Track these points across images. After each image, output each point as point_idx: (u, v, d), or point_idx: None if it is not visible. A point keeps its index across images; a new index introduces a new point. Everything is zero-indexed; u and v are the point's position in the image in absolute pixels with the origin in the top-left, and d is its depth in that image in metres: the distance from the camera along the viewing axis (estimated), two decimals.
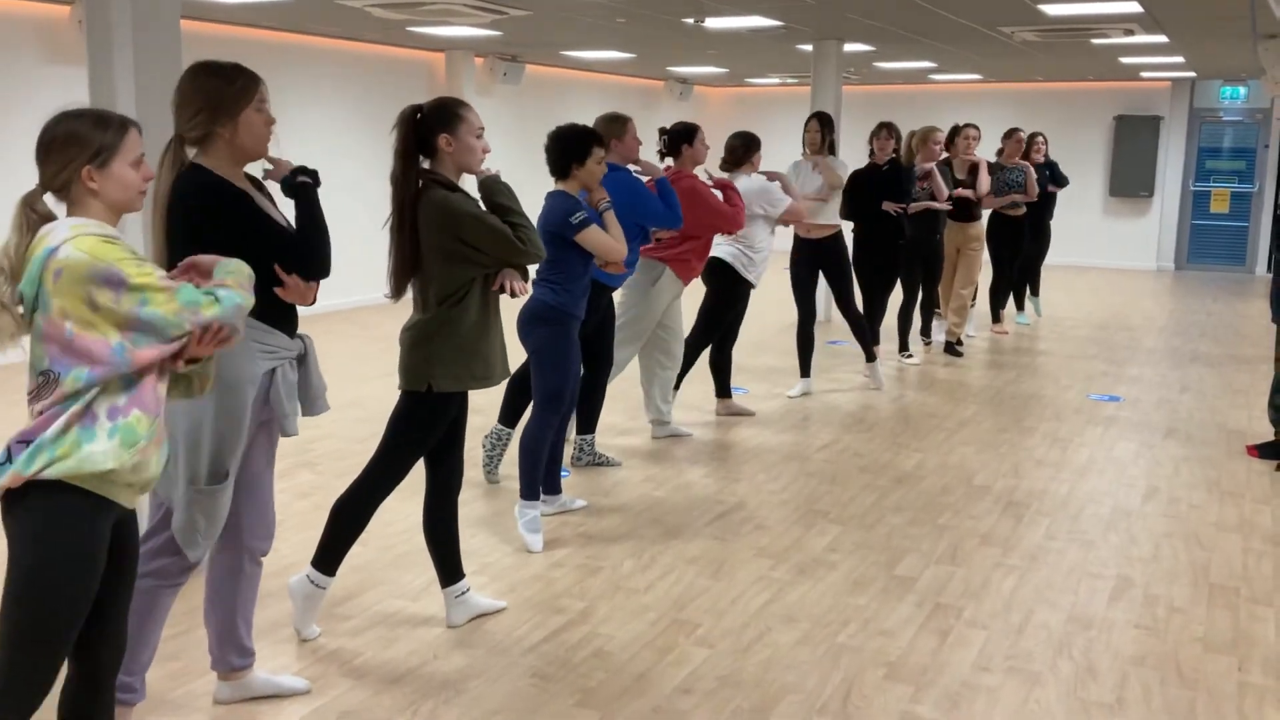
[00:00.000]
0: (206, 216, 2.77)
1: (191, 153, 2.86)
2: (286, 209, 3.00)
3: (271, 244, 2.85)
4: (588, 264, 4.49)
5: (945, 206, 8.26)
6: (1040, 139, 10.12)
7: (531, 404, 4.59)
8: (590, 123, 5.34)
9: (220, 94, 2.81)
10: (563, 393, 4.48)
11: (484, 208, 3.44)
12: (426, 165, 3.44)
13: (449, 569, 3.72)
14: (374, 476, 3.50)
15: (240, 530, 3.07)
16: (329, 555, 3.52)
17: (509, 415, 5.32)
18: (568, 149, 4.43)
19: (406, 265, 3.42)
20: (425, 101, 3.52)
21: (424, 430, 3.49)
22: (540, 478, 4.55)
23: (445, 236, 3.35)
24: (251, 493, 3.06)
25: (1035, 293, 10.83)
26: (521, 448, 4.52)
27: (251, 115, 2.85)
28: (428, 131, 3.41)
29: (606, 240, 4.42)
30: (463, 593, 3.74)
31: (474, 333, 3.45)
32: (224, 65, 2.87)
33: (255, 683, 3.20)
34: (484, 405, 6.77)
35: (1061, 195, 10.67)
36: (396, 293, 3.47)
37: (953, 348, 8.80)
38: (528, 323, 4.47)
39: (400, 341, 3.51)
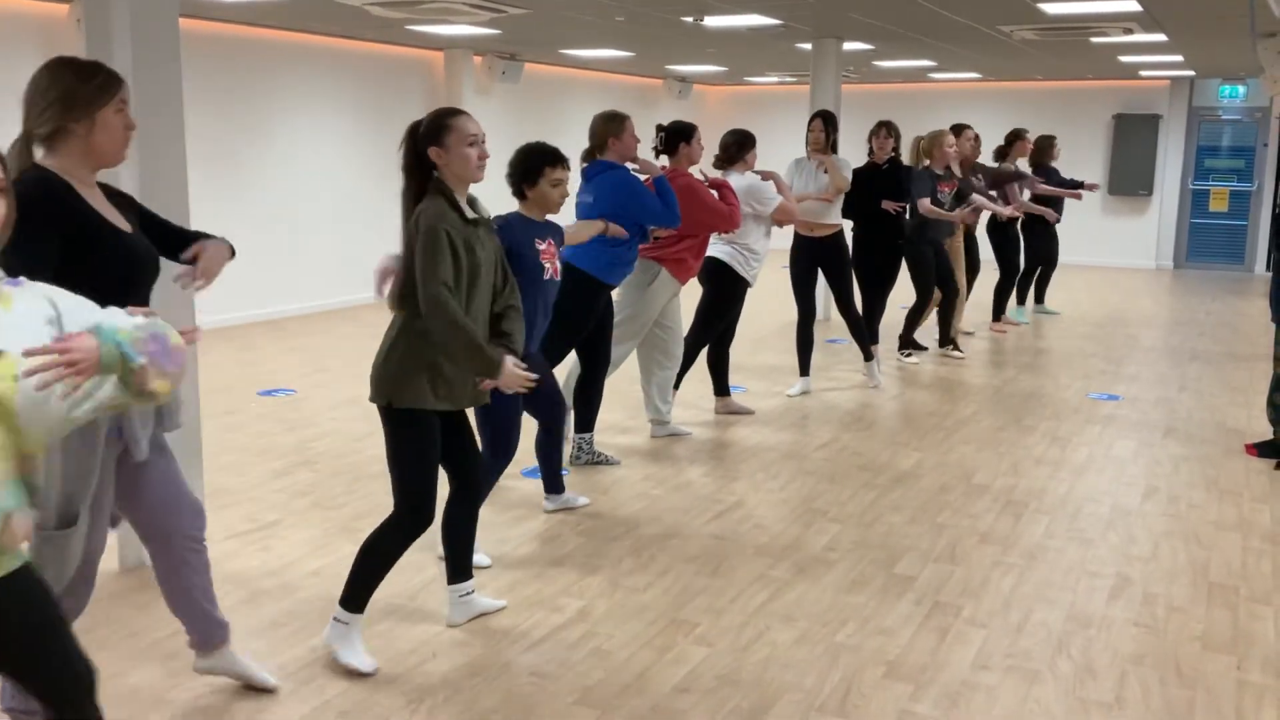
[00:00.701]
0: (30, 213, 2.47)
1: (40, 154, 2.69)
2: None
3: (104, 251, 2.69)
4: (535, 296, 4.17)
5: (999, 210, 8.41)
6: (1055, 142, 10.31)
7: (486, 447, 4.16)
8: (588, 121, 5.35)
9: (77, 89, 2.65)
10: (512, 437, 4.19)
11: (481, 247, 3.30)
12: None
13: (459, 567, 3.69)
14: (400, 514, 3.38)
15: (167, 535, 3.01)
16: (359, 595, 3.40)
17: None
18: (517, 170, 4.18)
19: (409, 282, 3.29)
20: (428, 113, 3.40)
21: (417, 447, 3.34)
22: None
23: (412, 240, 3.23)
24: (154, 500, 2.97)
25: (1040, 299, 10.91)
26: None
27: (110, 115, 2.70)
28: (422, 146, 3.30)
29: None
30: (467, 593, 3.73)
31: (436, 349, 3.27)
32: (85, 62, 2.74)
33: (233, 662, 3.21)
34: None
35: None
36: (397, 306, 3.35)
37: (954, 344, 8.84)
38: None
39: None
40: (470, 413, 3.59)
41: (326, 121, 10.67)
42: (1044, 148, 10.26)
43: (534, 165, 4.14)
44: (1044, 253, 10.43)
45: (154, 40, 3.87)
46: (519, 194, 4.22)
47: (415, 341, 3.29)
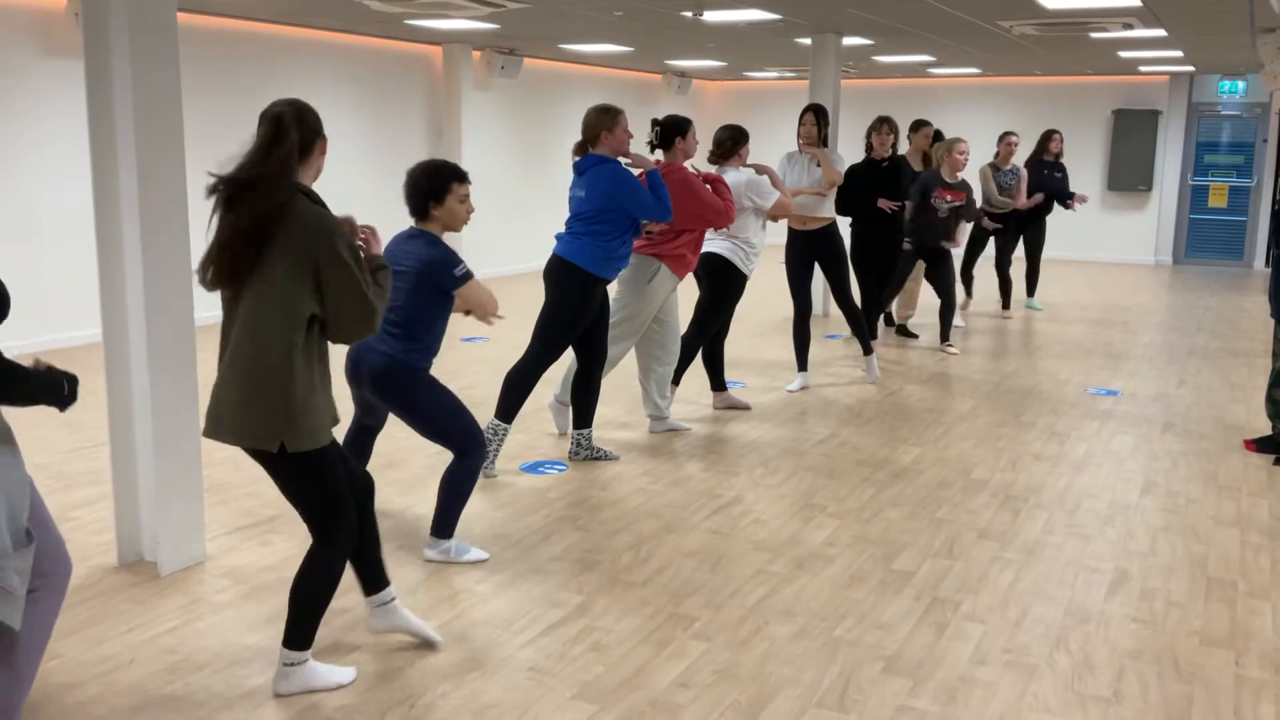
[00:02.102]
0: None
1: None
2: None
3: None
4: (448, 317, 4.09)
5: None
6: (1057, 136, 10.42)
7: (452, 451, 4.14)
8: (582, 116, 5.35)
9: None
10: (476, 428, 4.09)
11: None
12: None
13: (371, 578, 3.40)
14: (329, 543, 3.13)
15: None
16: (306, 634, 3.18)
17: (505, 410, 5.31)
18: (422, 187, 3.98)
19: (243, 277, 2.94)
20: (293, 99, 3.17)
21: (325, 481, 3.08)
22: (458, 518, 4.22)
23: (309, 257, 2.92)
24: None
25: (1030, 293, 11.00)
26: (445, 491, 4.17)
27: None
28: (309, 137, 3.05)
29: (484, 295, 4.05)
30: (387, 601, 3.43)
31: (320, 373, 3.03)
32: None
33: None
34: (483, 399, 6.76)
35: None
36: (219, 285, 2.98)
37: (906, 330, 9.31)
38: (387, 383, 3.97)
39: (229, 386, 2.99)
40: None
41: (325, 117, 10.61)
42: (1040, 142, 10.45)
43: (441, 181, 3.98)
44: (1034, 243, 10.59)
45: (151, 35, 3.86)
46: (423, 213, 4.02)
47: (299, 366, 2.96)
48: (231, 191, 2.97)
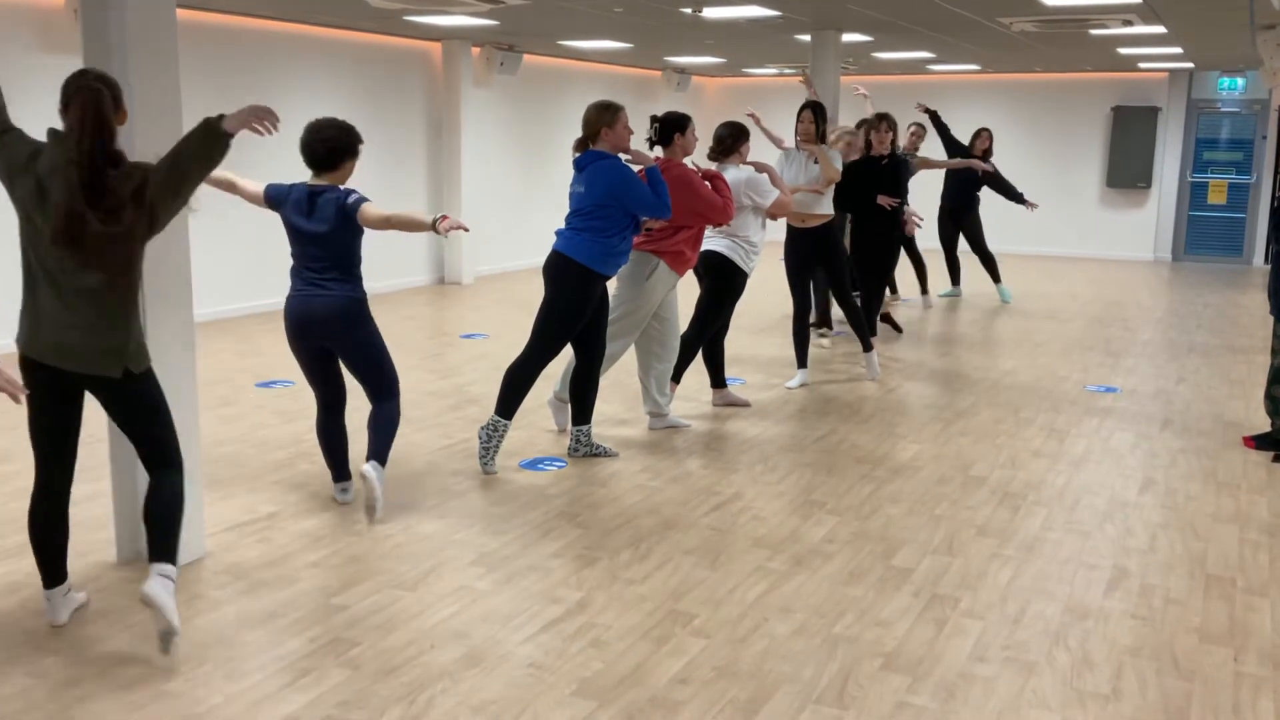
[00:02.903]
0: None
1: None
2: None
3: None
4: (361, 242, 4.58)
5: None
6: (985, 133, 10.84)
7: (377, 395, 4.67)
8: (581, 112, 5.35)
9: None
10: (395, 371, 4.69)
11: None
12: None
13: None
14: (179, 464, 3.53)
15: None
16: (176, 547, 3.47)
17: (505, 407, 5.30)
18: (341, 143, 4.46)
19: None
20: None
21: (162, 395, 3.51)
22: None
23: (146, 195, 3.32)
24: None
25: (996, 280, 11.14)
26: (379, 428, 4.66)
27: None
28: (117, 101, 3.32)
29: (382, 209, 4.42)
30: (71, 595, 3.66)
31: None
32: None
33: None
34: (482, 396, 6.76)
35: (1059, 186, 10.77)
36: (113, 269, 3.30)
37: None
38: (349, 324, 4.52)
39: (106, 324, 3.29)
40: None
41: (324, 113, 10.60)
42: (970, 140, 10.86)
43: (356, 140, 4.50)
44: (969, 236, 10.79)
45: (150, 31, 3.85)
46: (334, 165, 4.47)
47: (138, 296, 3.42)
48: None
